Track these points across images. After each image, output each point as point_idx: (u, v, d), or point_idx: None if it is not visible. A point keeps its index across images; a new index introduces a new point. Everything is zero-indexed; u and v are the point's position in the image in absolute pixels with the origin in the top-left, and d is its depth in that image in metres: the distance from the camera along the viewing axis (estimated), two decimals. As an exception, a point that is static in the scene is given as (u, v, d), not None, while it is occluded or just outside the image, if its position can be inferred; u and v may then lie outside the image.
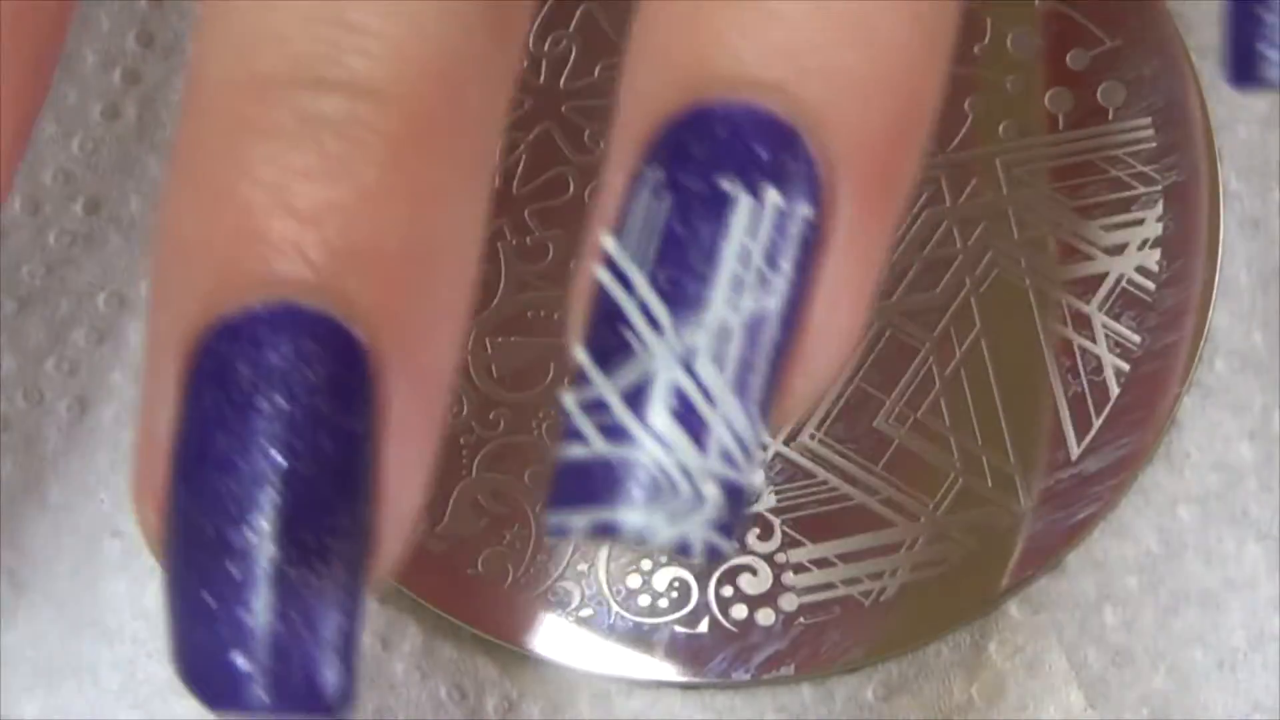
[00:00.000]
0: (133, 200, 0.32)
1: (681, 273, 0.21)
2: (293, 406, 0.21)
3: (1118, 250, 0.31)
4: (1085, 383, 0.31)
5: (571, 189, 0.32)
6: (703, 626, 0.30)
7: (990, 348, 0.31)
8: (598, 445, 0.20)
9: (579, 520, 0.21)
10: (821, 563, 0.31)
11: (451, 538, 0.31)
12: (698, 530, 0.20)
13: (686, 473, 0.20)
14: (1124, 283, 0.31)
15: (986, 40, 0.32)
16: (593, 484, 0.20)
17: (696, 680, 0.30)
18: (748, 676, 0.30)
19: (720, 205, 0.21)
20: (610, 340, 0.21)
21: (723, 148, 0.21)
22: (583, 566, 0.31)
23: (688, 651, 0.30)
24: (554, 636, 0.30)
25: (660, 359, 0.20)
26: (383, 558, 0.22)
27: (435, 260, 0.22)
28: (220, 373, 0.21)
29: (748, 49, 0.21)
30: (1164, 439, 0.31)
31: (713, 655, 0.30)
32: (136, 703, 0.31)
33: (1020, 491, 0.31)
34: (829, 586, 0.30)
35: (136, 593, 0.31)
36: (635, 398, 0.20)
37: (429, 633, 0.31)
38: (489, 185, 0.22)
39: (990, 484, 0.31)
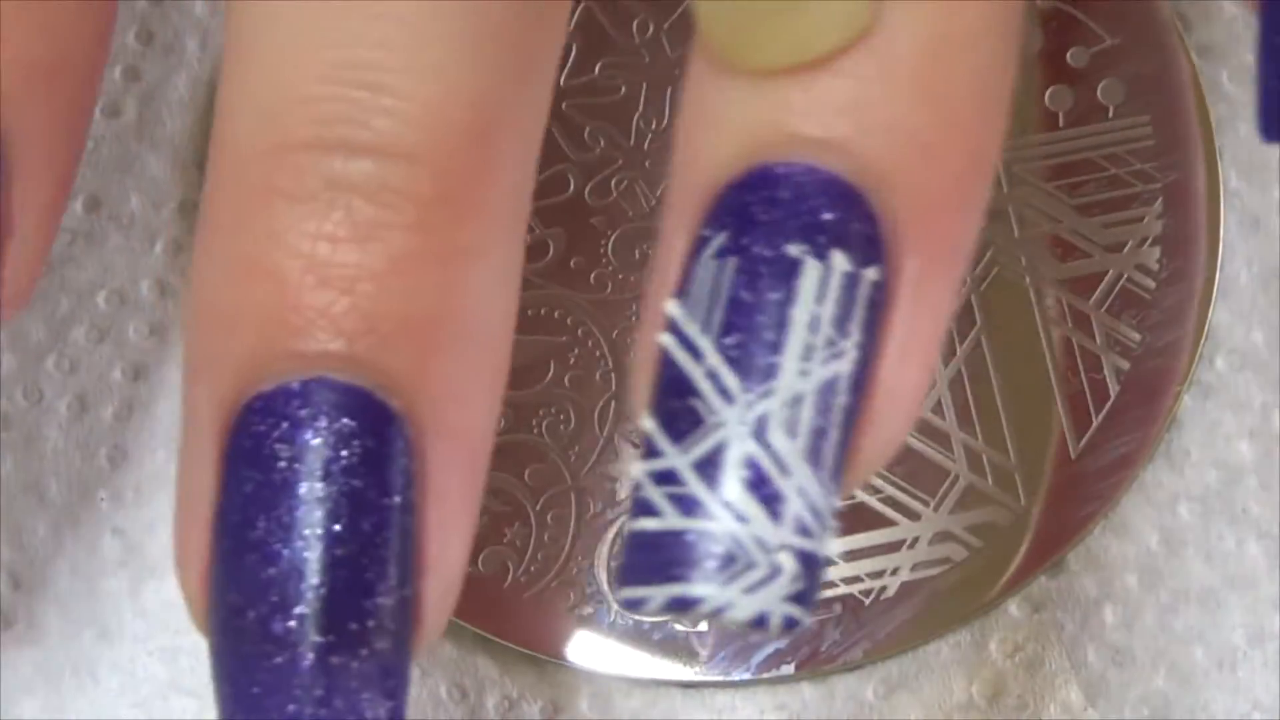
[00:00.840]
0: (133, 198, 0.32)
1: (750, 340, 0.20)
2: (332, 488, 0.20)
3: (1117, 248, 0.31)
4: (1085, 381, 0.31)
5: (571, 187, 0.32)
6: (702, 625, 0.30)
7: (991, 346, 0.31)
8: (670, 518, 0.20)
9: (654, 595, 0.20)
10: (822, 561, 0.31)
11: (451, 536, 0.31)
12: (775, 603, 0.20)
13: (761, 544, 0.20)
14: (1124, 281, 0.31)
15: (987, 38, 0.32)
16: (666, 558, 0.20)
17: (696, 679, 0.30)
18: (748, 675, 0.30)
19: (787, 271, 0.20)
20: (679, 410, 0.20)
21: (787, 210, 0.20)
22: (582, 564, 0.30)
23: (687, 650, 0.30)
24: (554, 635, 0.30)
25: (732, 429, 0.20)
26: (427, 629, 0.21)
27: (471, 321, 0.21)
28: (257, 453, 0.21)
29: (809, 108, 0.20)
30: (1164, 437, 0.31)
31: (713, 653, 0.30)
32: (137, 701, 0.31)
33: (1021, 490, 0.31)
34: (829, 585, 0.30)
35: (136, 591, 0.31)
36: (707, 468, 0.20)
37: (429, 631, 0.31)
38: (523, 235, 0.22)
39: (991, 482, 0.31)
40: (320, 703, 0.20)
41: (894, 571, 0.30)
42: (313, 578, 0.20)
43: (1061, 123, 0.32)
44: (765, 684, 0.31)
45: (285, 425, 0.20)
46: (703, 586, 0.20)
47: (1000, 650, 0.31)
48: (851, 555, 0.30)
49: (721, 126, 0.21)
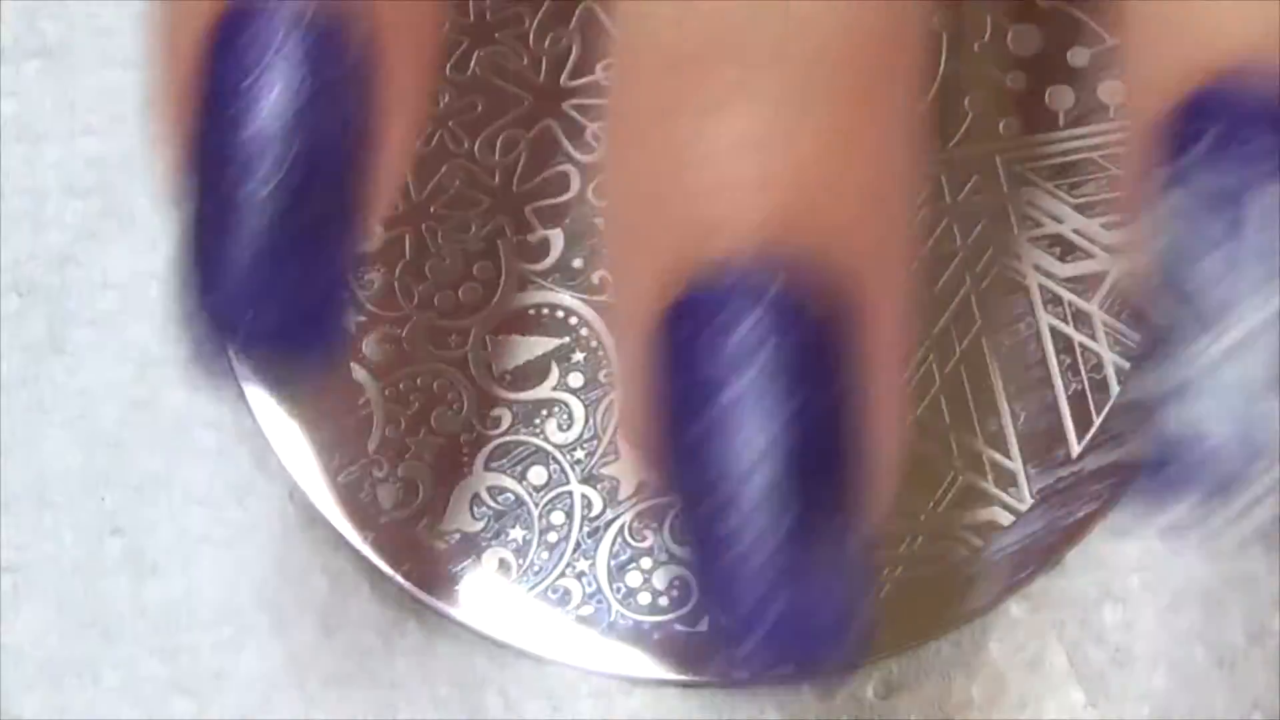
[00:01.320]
0: (137, 197, 0.32)
1: (1225, 270, 0.20)
2: (772, 383, 0.21)
3: (1118, 248, 0.31)
4: (1086, 380, 0.31)
5: (573, 187, 0.32)
6: (703, 625, 0.30)
7: (991, 345, 0.31)
8: (1145, 447, 0.21)
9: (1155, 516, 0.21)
10: (822, 561, 0.31)
11: (452, 534, 0.31)
12: (1255, 526, 0.20)
13: (1233, 471, 0.20)
14: (1125, 280, 0.31)
15: (987, 37, 0.32)
16: (1154, 484, 0.21)
17: (697, 679, 0.30)
18: (748, 675, 0.30)
19: (1250, 199, 0.20)
20: (1157, 341, 0.21)
21: (1245, 136, 0.20)
22: (583, 564, 0.31)
23: (688, 650, 0.30)
24: (554, 634, 0.30)
25: (1196, 361, 0.20)
26: (870, 513, 0.22)
27: (884, 215, 0.22)
28: (689, 356, 0.21)
29: (1246, 29, 0.21)
30: (1165, 437, 0.31)
31: (713, 654, 0.30)
32: (137, 701, 0.31)
33: (1021, 489, 0.31)
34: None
35: (137, 591, 0.31)
36: (1175, 399, 0.20)
37: (429, 630, 0.31)
38: (919, 126, 0.22)
39: (991, 482, 0.31)
40: (783, 590, 0.21)
41: (894, 571, 0.30)
42: (760, 472, 0.21)
43: (1061, 122, 0.32)
44: (765, 684, 0.31)
45: (712, 328, 0.21)
46: (1183, 511, 0.20)
47: (1000, 650, 0.31)
48: (851, 555, 0.30)
49: (1163, 54, 0.21)
